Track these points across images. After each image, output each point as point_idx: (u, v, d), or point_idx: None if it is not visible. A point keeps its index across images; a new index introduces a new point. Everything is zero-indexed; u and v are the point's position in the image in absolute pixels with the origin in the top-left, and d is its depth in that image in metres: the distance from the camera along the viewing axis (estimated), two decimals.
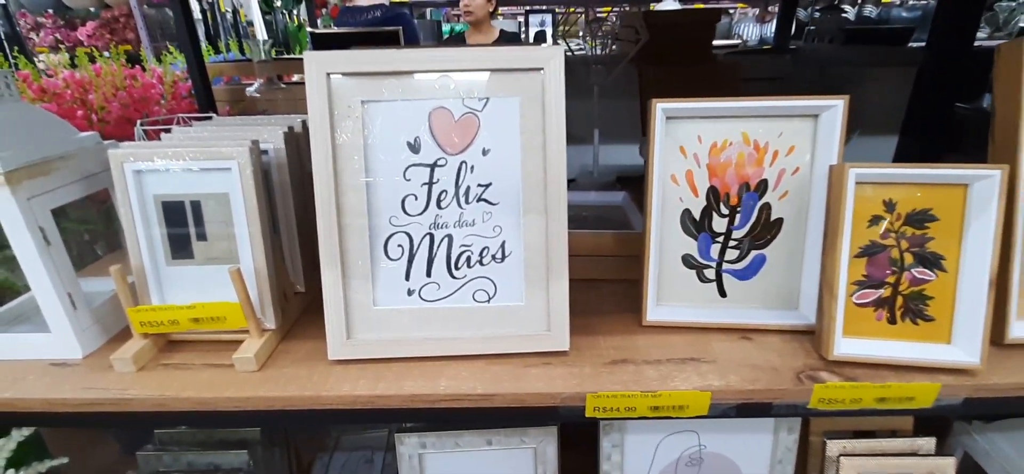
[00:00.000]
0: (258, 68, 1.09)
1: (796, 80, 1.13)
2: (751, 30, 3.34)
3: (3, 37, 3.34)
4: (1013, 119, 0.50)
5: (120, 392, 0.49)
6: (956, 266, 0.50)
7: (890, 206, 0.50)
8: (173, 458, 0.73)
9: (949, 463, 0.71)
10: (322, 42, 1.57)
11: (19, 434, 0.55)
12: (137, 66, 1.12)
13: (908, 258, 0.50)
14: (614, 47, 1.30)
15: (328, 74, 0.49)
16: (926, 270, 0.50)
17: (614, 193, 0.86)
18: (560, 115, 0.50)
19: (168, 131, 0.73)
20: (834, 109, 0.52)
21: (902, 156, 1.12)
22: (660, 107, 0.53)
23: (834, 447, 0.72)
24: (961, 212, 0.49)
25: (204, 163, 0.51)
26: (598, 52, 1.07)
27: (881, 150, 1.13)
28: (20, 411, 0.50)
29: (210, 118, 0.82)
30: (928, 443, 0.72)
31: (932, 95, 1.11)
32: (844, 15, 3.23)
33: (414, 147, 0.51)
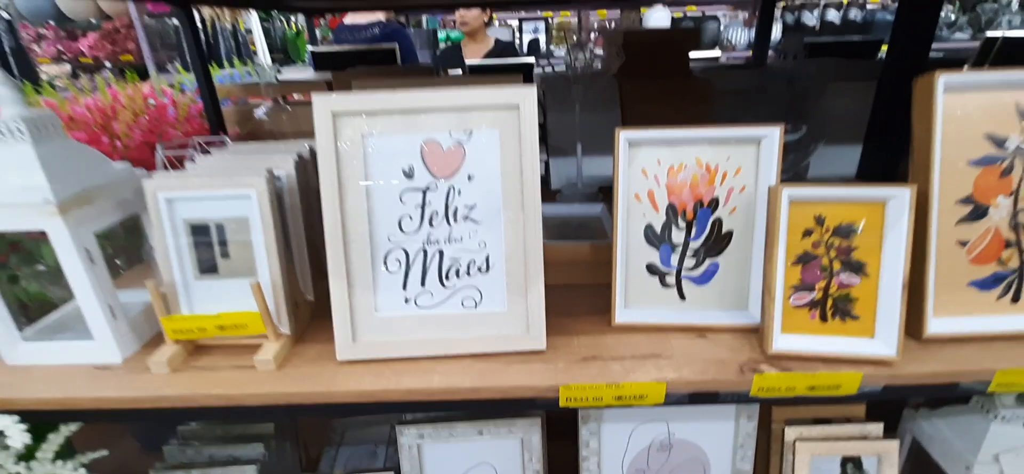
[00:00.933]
0: (264, 90, 1.17)
1: (766, 93, 1.21)
2: (740, 35, 3.42)
3: (9, 51, 3.42)
4: (926, 144, 0.58)
5: (157, 391, 0.57)
6: (877, 271, 0.58)
7: (820, 220, 0.58)
8: (196, 451, 0.81)
9: (893, 446, 0.79)
10: (323, 61, 1.65)
11: (66, 429, 0.62)
12: (148, 84, 1.20)
13: (836, 265, 0.58)
14: (597, 64, 1.38)
15: (334, 114, 0.57)
16: (852, 275, 0.58)
17: (593, 205, 0.93)
18: (534, 145, 0.58)
19: (185, 155, 0.81)
20: (772, 135, 0.60)
21: (866, 163, 1.20)
22: (623, 136, 0.61)
23: (792, 433, 0.80)
24: (880, 225, 0.57)
25: (227, 191, 0.59)
26: (579, 70, 1.15)
27: (847, 158, 1.21)
28: (70, 409, 0.58)
29: (224, 142, 0.90)
30: (876, 428, 0.81)
31: (892, 104, 1.19)
32: (828, 20, 3.32)
33: (408, 174, 0.59)
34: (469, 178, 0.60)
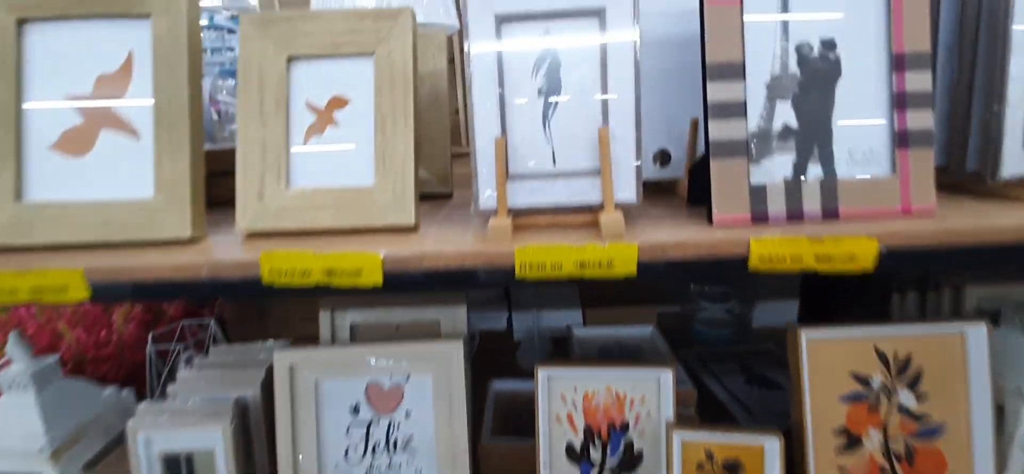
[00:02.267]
0: None
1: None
2: None
3: None
4: (797, 384, 0.68)
5: None
6: None
7: (710, 455, 0.66)
8: None
9: None
10: None
11: None
12: None
13: None
14: None
15: (291, 367, 0.67)
16: None
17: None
18: (461, 387, 0.68)
19: (172, 349, 0.91)
20: (666, 376, 0.69)
21: (804, 310, 1.29)
22: (541, 372, 0.71)
23: None
24: (761, 463, 0.65)
25: (197, 430, 0.68)
26: None
27: (787, 310, 1.32)
28: None
29: (209, 326, 1.01)
30: None
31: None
32: None
33: (354, 410, 0.69)
34: (407, 415, 0.69)
